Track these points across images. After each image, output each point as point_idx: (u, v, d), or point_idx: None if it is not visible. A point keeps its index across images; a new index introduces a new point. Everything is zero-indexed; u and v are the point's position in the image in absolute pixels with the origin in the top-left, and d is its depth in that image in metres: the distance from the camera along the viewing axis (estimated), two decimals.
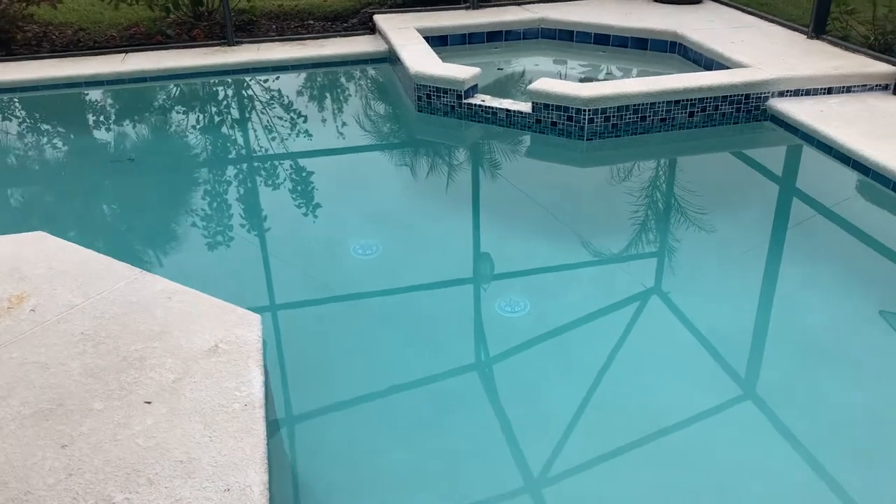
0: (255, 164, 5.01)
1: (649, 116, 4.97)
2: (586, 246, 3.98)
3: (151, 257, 3.89)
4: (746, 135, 5.15)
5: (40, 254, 3.28)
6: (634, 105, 4.89)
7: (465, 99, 5.22)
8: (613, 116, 4.89)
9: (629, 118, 4.93)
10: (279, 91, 6.23)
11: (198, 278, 3.68)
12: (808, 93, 5.17)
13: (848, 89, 5.23)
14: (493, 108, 5.14)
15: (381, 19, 6.90)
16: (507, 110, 5.09)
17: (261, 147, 5.23)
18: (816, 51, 5.71)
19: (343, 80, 6.49)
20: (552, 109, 4.92)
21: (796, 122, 4.87)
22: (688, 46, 6.19)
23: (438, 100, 5.31)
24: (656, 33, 6.42)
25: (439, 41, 6.56)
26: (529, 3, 7.45)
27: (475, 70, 5.28)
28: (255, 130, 5.50)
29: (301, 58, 6.42)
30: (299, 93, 6.22)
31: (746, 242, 3.92)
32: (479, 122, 5.24)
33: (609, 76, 6.34)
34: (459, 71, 5.24)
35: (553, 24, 6.84)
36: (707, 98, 5.00)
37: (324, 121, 5.64)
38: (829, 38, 5.99)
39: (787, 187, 4.58)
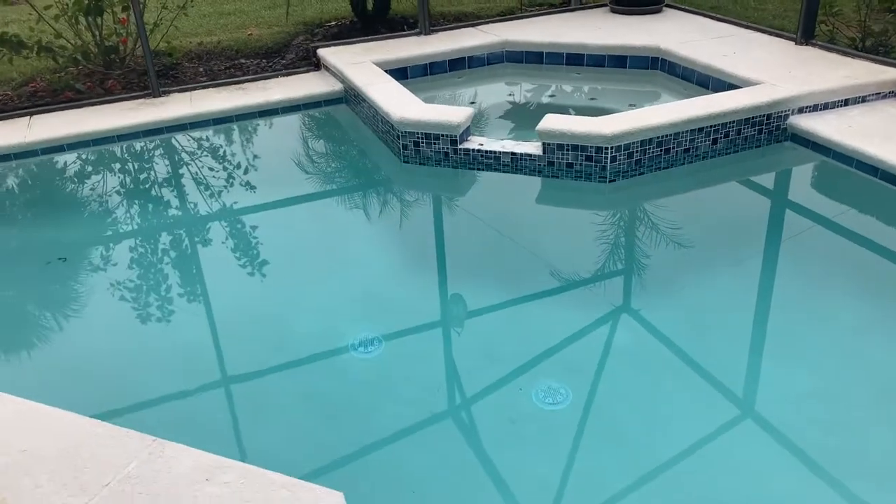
0: (218, 242, 4.26)
1: (673, 148, 4.55)
2: (636, 313, 3.47)
3: (138, 404, 3.08)
4: (768, 157, 4.81)
5: None
6: (658, 137, 4.45)
7: (460, 144, 4.63)
8: (637, 152, 4.44)
9: (653, 152, 4.49)
10: (228, 148, 5.44)
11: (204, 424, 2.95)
12: (825, 107, 4.89)
13: (863, 99, 4.99)
14: (494, 152, 4.58)
15: (327, 54, 6.22)
16: (513, 153, 4.55)
17: (221, 221, 4.47)
18: (815, 58, 5.47)
19: (301, 129, 5.77)
20: (567, 150, 4.41)
21: (827, 142, 4.56)
22: (674, 62, 5.84)
23: (429, 147, 4.70)
24: (636, 49, 6.05)
25: (399, 74, 5.94)
26: (483, 23, 6.95)
27: (468, 110, 4.71)
28: (209, 200, 4.72)
29: (245, 106, 5.66)
30: (252, 149, 5.47)
31: (841, 290, 3.52)
32: (478, 168, 4.67)
33: (593, 100, 5.90)
34: (452, 113, 4.65)
35: (519, 47, 6.37)
36: (730, 122, 4.62)
37: (291, 182, 4.91)
38: (818, 43, 5.78)
39: (844, 218, 4.22)
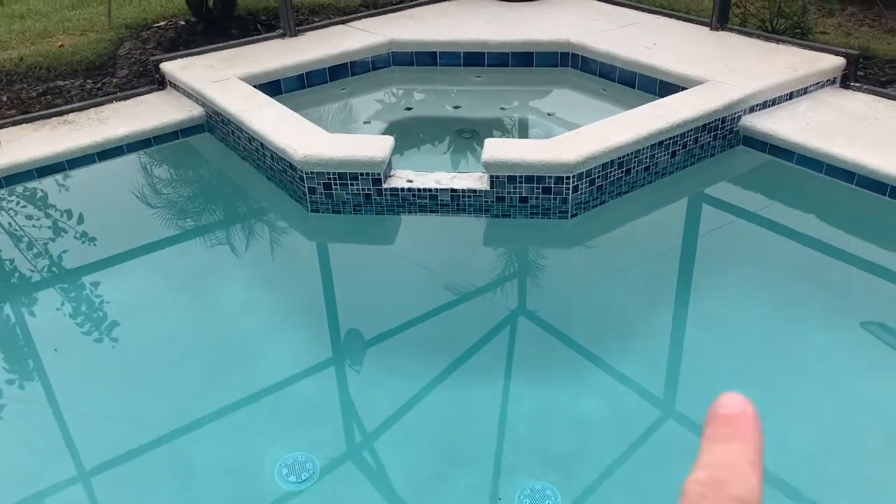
0: (64, 336, 3.15)
1: (634, 168, 3.94)
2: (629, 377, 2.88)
3: None
4: (724, 165, 4.35)
5: None
6: (620, 158, 3.82)
7: (384, 183, 3.75)
8: (599, 178, 3.78)
9: (615, 175, 3.86)
10: (62, 210, 4.16)
11: None
12: (773, 103, 4.49)
13: (805, 91, 4.65)
14: (430, 189, 3.75)
15: (176, 69, 5.04)
16: (453, 190, 3.74)
17: (67, 309, 3.34)
18: (741, 46, 5.08)
19: (158, 172, 4.57)
20: (521, 182, 3.67)
21: (790, 144, 4.16)
22: (589, 58, 5.25)
23: (344, 190, 3.78)
24: (543, 45, 5.39)
25: (270, 89, 4.92)
26: (353, 19, 6.02)
27: (389, 140, 3.83)
28: (45, 286, 3.54)
29: (78, 148, 4.40)
30: (98, 207, 4.23)
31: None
32: (409, 212, 3.82)
33: (504, 109, 5.19)
34: (371, 146, 3.75)
35: (407, 47, 5.52)
36: (688, 131, 4.08)
37: (158, 249, 3.82)
38: (733, 28, 5.41)
39: (832, 233, 3.80)
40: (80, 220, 4.03)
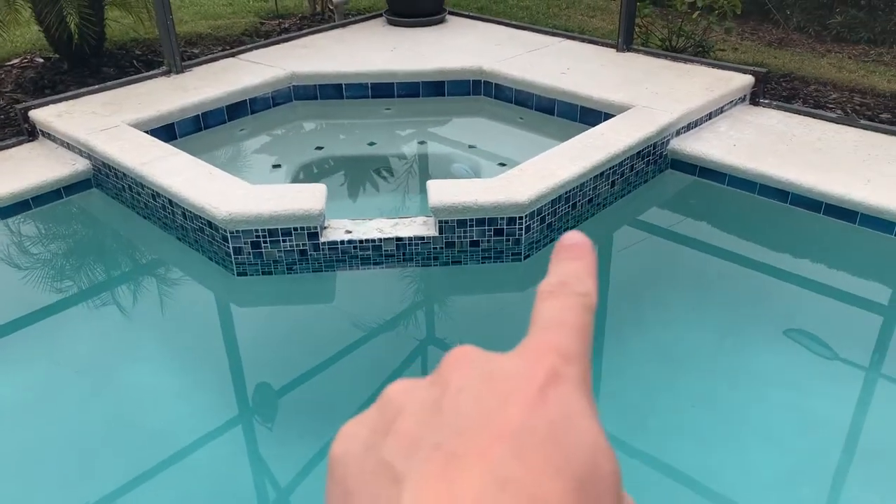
0: None
1: (579, 202, 3.81)
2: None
3: None
4: (658, 190, 4.32)
5: None
6: (567, 193, 3.68)
7: (321, 236, 3.42)
8: (549, 215, 3.62)
9: (562, 211, 3.72)
10: None
11: None
12: (696, 124, 4.52)
13: (721, 110, 4.71)
14: (372, 240, 3.46)
15: (50, 118, 4.46)
16: (398, 239, 3.46)
17: None
18: (653, 67, 5.11)
19: (41, 241, 3.99)
20: (472, 225, 3.45)
21: (721, 166, 4.19)
22: (503, 85, 5.11)
23: (276, 248, 3.42)
24: (455, 73, 5.21)
25: (164, 134, 4.46)
26: (245, 51, 5.61)
27: (321, 188, 3.51)
28: None
29: None
30: None
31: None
32: (350, 267, 3.50)
33: (423, 143, 4.96)
34: (302, 196, 3.42)
35: (310, 80, 5.18)
36: (626, 159, 4.01)
37: (48, 336, 3.30)
38: (639, 48, 5.45)
39: (781, 258, 3.83)
40: None
